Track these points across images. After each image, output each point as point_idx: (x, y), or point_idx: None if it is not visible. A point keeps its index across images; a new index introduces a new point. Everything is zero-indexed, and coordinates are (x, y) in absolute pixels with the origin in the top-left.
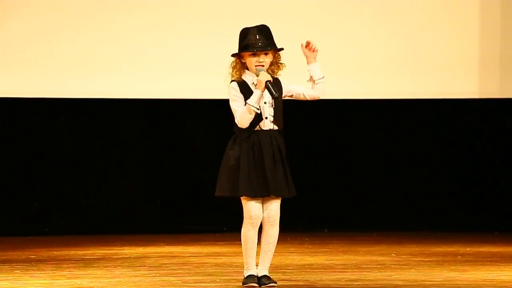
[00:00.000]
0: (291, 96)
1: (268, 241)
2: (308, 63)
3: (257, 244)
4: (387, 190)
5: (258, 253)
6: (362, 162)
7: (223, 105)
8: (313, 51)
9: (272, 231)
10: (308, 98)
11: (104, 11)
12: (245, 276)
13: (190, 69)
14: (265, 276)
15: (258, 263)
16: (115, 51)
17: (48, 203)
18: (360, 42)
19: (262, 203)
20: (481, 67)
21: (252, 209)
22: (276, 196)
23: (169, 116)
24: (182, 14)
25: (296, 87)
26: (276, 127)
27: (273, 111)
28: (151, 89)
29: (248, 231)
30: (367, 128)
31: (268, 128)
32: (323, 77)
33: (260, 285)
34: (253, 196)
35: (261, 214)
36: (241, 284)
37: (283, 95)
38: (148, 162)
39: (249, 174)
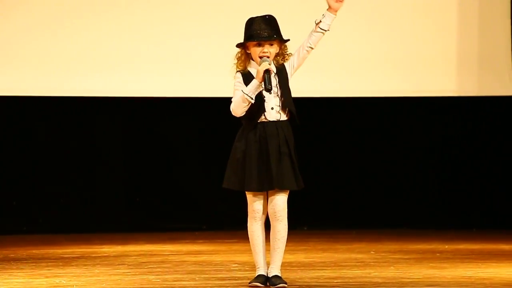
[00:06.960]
0: (299, 64)
1: (276, 237)
2: (328, 9)
3: (266, 241)
4: (366, 188)
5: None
6: (340, 160)
7: (204, 103)
8: (339, 1)
9: (279, 227)
10: (307, 52)
11: (91, 12)
12: (255, 276)
13: (171, 67)
14: (275, 276)
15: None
16: (97, 51)
17: (27, 201)
18: (338, 40)
19: (268, 198)
20: (459, 65)
21: (253, 203)
22: (281, 189)
23: (149, 115)
24: (170, 12)
25: (296, 54)
26: (284, 118)
27: (278, 101)
28: (131, 87)
29: (251, 225)
30: (346, 126)
31: (274, 119)
32: (327, 30)
33: (270, 285)
34: (258, 191)
35: (262, 208)
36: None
37: (293, 72)
38: (127, 160)
39: (254, 168)
